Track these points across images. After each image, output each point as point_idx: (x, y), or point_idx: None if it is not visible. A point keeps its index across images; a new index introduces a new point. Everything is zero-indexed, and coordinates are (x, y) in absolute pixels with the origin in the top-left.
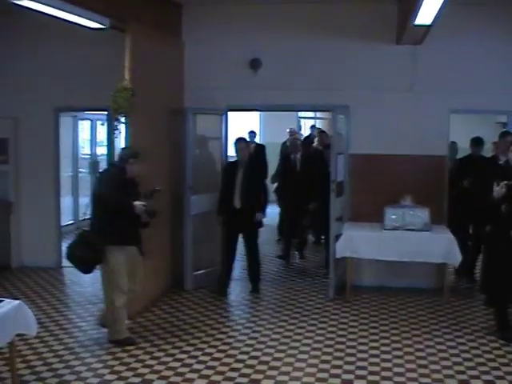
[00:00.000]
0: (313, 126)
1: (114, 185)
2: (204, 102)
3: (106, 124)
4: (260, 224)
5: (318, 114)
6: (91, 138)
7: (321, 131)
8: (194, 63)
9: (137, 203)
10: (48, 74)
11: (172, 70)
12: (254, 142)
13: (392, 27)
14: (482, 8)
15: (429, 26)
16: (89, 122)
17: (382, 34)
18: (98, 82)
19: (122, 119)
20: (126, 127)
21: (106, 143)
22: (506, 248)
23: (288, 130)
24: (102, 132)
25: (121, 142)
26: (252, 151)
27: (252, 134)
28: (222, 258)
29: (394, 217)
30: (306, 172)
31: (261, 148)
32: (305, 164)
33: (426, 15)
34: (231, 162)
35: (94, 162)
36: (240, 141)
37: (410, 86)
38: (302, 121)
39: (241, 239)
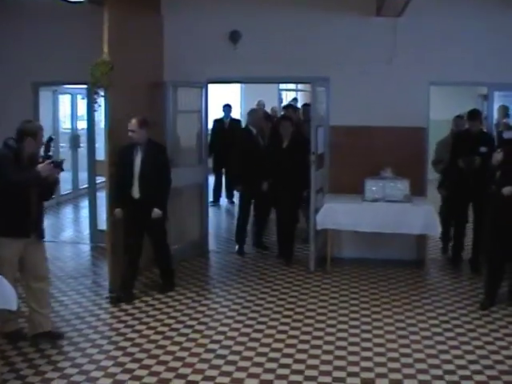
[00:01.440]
0: (294, 99)
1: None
2: (184, 75)
3: (86, 98)
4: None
5: (300, 87)
6: (72, 112)
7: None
8: (174, 36)
9: (39, 166)
10: (27, 48)
11: (151, 43)
12: (230, 117)
13: None
14: None
15: None
16: (69, 96)
17: (362, 5)
18: (78, 55)
19: (102, 93)
20: (106, 101)
21: (86, 117)
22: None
23: (256, 103)
24: (82, 106)
25: (101, 116)
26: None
27: (227, 107)
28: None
29: (374, 188)
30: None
31: (236, 123)
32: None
33: None
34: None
35: (74, 136)
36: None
37: (390, 58)
38: (284, 93)
39: None
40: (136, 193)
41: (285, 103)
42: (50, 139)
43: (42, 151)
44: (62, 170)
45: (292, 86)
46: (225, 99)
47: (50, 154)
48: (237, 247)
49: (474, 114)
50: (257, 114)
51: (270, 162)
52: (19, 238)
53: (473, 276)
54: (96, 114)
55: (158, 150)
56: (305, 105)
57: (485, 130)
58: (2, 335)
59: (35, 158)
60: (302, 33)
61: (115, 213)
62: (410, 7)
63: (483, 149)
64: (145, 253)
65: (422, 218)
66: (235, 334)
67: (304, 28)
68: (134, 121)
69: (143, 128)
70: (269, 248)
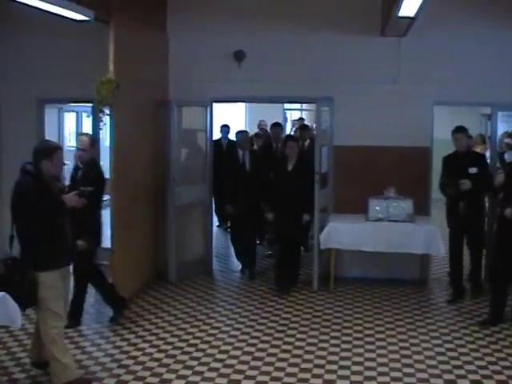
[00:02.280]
0: (301, 119)
1: (37, 199)
2: (189, 94)
3: (91, 116)
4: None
5: (305, 106)
6: (76, 130)
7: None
8: (179, 55)
9: (66, 196)
10: (33, 66)
11: (157, 62)
12: (227, 138)
13: (377, 19)
14: (466, 1)
15: (412, 19)
16: (74, 114)
17: (366, 25)
18: (84, 73)
19: (107, 111)
20: (111, 119)
21: None
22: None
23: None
24: (87, 124)
25: (106, 134)
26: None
27: (225, 128)
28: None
29: (377, 208)
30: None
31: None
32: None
33: (409, 7)
34: None
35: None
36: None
37: (394, 78)
38: (288, 112)
39: None
40: None
41: (290, 122)
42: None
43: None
44: (88, 197)
45: (297, 105)
46: (230, 118)
47: (80, 187)
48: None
49: (458, 130)
50: (244, 136)
51: (275, 187)
52: (64, 266)
53: (476, 295)
54: (101, 132)
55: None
56: (302, 126)
57: (472, 150)
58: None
59: (58, 181)
60: (305, 52)
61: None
62: (413, 28)
63: (472, 170)
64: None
65: (424, 237)
66: (238, 352)
67: (308, 47)
68: (85, 138)
69: (93, 147)
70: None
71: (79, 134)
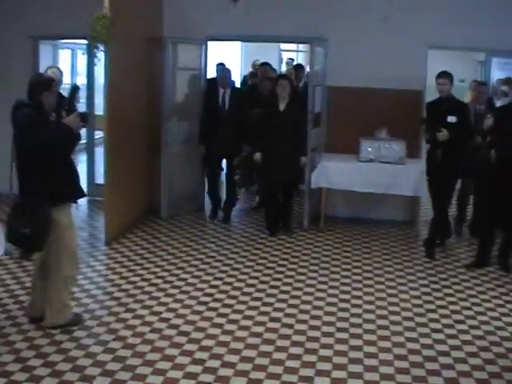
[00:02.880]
0: (290, 59)
1: (47, 128)
2: (183, 32)
3: (86, 53)
4: None
5: (301, 48)
6: (72, 67)
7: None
8: None
9: (67, 119)
10: (27, 2)
11: None
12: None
13: None
14: None
15: None
16: (69, 52)
17: None
18: (78, 9)
19: (102, 47)
20: (106, 55)
21: (86, 72)
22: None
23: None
24: (82, 62)
25: (100, 71)
26: None
27: (221, 66)
28: None
29: (369, 149)
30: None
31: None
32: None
33: None
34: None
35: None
36: None
37: (387, 20)
38: (284, 53)
39: None
40: None
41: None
42: (76, 88)
43: (66, 102)
44: (87, 123)
45: (293, 46)
46: (225, 58)
47: (76, 106)
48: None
49: (440, 74)
50: (222, 71)
51: (265, 128)
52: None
53: (470, 239)
54: (95, 69)
55: None
56: (297, 66)
57: (456, 97)
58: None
59: (58, 111)
60: None
61: None
62: None
63: (452, 118)
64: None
65: (414, 179)
66: (228, 287)
67: None
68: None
69: None
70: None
71: (50, 67)
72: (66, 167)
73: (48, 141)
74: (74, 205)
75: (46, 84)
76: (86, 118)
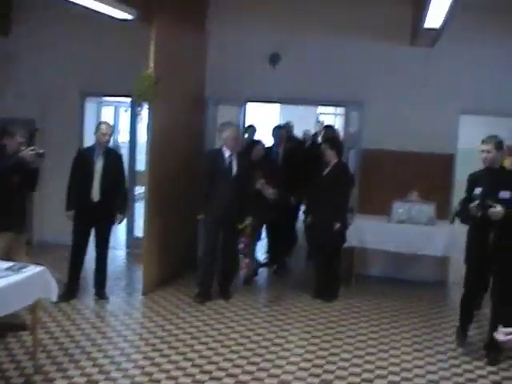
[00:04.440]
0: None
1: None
2: (225, 92)
3: (129, 110)
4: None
5: (338, 110)
6: (114, 124)
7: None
8: (217, 53)
9: (23, 152)
10: (76, 61)
11: (195, 60)
12: (252, 139)
13: (406, 29)
14: (494, 13)
15: (439, 30)
16: (112, 108)
17: (396, 35)
18: (123, 69)
19: (145, 106)
20: (149, 113)
21: (128, 129)
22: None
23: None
24: (124, 119)
25: (142, 128)
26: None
27: (251, 128)
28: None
29: (400, 210)
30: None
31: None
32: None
33: (434, 19)
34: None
35: (115, 147)
36: None
37: (422, 86)
38: (322, 116)
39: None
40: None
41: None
42: (35, 130)
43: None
44: (43, 158)
45: (330, 109)
46: (264, 119)
47: (34, 146)
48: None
49: (484, 140)
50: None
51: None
52: (1, 231)
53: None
54: (138, 126)
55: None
56: (326, 127)
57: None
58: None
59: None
60: (338, 58)
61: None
62: (443, 37)
63: (504, 194)
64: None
65: (444, 240)
66: (259, 338)
67: (341, 53)
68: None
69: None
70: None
71: (101, 122)
72: (1, 198)
73: None
74: None
75: (9, 131)
76: (41, 154)
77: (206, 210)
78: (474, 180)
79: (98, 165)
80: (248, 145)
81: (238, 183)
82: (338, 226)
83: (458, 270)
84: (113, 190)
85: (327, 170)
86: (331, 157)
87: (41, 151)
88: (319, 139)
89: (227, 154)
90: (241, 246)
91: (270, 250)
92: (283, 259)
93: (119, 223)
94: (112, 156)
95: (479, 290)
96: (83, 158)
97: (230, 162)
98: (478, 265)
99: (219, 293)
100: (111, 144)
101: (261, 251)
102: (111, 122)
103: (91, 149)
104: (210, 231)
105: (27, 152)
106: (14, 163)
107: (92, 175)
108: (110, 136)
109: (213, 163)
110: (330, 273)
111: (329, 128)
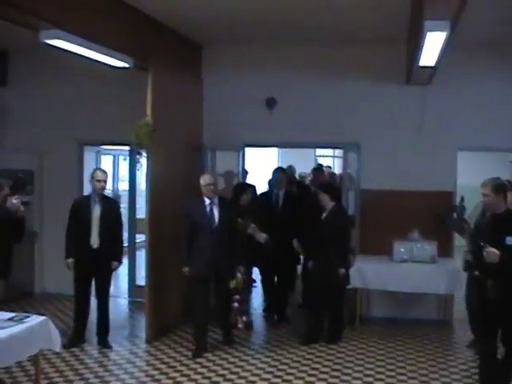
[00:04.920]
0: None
1: None
2: (222, 139)
3: (128, 159)
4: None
5: (337, 152)
6: (113, 172)
7: (314, 168)
8: (213, 101)
9: (9, 200)
10: (73, 110)
11: (192, 107)
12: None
13: (402, 68)
14: (489, 49)
15: (434, 68)
16: (111, 157)
17: (392, 74)
18: (121, 117)
19: (144, 153)
20: (148, 161)
21: (127, 178)
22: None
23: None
24: (123, 167)
25: (141, 176)
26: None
27: (243, 172)
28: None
29: (402, 250)
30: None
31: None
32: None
33: (428, 57)
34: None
35: (115, 196)
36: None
37: (418, 124)
38: (320, 159)
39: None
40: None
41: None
42: (19, 179)
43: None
44: (27, 205)
45: (329, 151)
46: (262, 162)
47: (17, 195)
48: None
49: (484, 183)
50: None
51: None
52: None
53: None
54: (137, 174)
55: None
56: (314, 169)
57: None
58: None
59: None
60: (334, 100)
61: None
62: (437, 76)
63: (510, 239)
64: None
65: (447, 278)
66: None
67: (337, 95)
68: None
69: None
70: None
71: (96, 168)
72: None
73: None
74: None
75: None
76: (26, 202)
77: (189, 264)
78: (479, 227)
79: (96, 212)
80: (236, 189)
81: (221, 233)
82: (342, 271)
83: (462, 308)
84: (111, 236)
85: (325, 215)
86: (326, 201)
87: (25, 199)
88: (307, 181)
89: (207, 201)
90: (235, 304)
91: (268, 298)
92: (283, 308)
93: (115, 270)
94: (109, 203)
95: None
96: (79, 207)
97: (211, 210)
98: (481, 319)
99: (222, 339)
100: (111, 192)
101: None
102: (110, 171)
103: (87, 197)
104: (196, 287)
105: (11, 200)
106: (2, 212)
107: (90, 223)
108: (105, 182)
109: (191, 212)
110: (334, 315)
111: (316, 170)
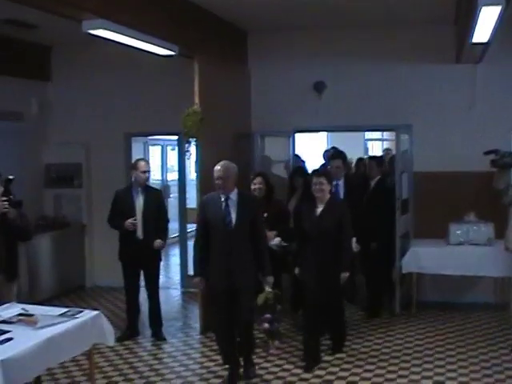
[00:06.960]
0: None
1: None
2: (271, 126)
3: (176, 149)
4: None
5: (385, 136)
6: (162, 163)
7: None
8: (260, 87)
9: None
10: (118, 102)
11: (239, 94)
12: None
13: (451, 47)
14: None
15: (486, 44)
16: (159, 148)
17: (442, 54)
18: (167, 107)
19: (193, 142)
20: (197, 150)
21: (176, 168)
22: None
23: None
24: (172, 157)
25: (190, 166)
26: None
27: (297, 158)
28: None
29: (458, 232)
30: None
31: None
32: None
33: (482, 33)
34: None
35: (164, 186)
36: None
37: (470, 104)
38: (369, 142)
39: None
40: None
41: (370, 153)
42: (9, 180)
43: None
44: (20, 206)
45: (378, 135)
46: (312, 147)
47: (11, 196)
48: None
49: None
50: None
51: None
52: None
53: None
54: (186, 163)
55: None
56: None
57: None
58: None
59: None
60: (384, 82)
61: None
62: (488, 54)
63: None
64: None
65: (504, 260)
66: (336, 369)
67: (386, 77)
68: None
69: None
70: None
71: (138, 159)
72: None
73: None
74: None
75: None
76: (18, 203)
77: (204, 274)
78: None
79: (139, 203)
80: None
81: (239, 236)
82: (346, 275)
83: None
84: (155, 227)
85: (320, 209)
86: (326, 192)
87: (17, 200)
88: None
89: (223, 197)
90: (265, 325)
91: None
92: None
93: (159, 248)
94: (152, 193)
95: None
96: (122, 198)
97: (227, 207)
98: None
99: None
100: (160, 183)
101: None
102: (158, 161)
103: (129, 188)
104: (213, 302)
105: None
106: None
107: (134, 214)
108: (149, 173)
109: (204, 211)
110: (337, 323)
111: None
